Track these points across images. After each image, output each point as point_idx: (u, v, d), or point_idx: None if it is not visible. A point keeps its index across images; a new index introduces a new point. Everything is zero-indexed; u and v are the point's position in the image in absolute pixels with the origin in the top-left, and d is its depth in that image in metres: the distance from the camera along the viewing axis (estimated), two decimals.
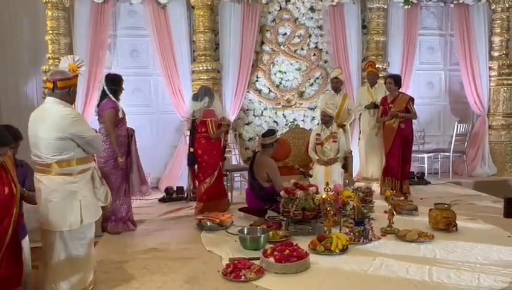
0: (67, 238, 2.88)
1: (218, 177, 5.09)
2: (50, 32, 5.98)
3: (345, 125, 6.26)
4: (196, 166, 5.09)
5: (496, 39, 7.24)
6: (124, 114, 4.46)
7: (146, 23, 6.49)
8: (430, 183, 6.60)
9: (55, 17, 5.96)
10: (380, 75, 6.64)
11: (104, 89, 4.37)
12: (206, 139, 4.99)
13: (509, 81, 7.27)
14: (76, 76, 2.99)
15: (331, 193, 4.11)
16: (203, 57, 6.41)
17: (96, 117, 4.55)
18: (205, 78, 6.38)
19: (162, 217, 5.12)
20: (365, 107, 6.39)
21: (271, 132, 4.95)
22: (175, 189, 6.04)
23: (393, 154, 5.66)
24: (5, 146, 2.53)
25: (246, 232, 3.86)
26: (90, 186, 2.99)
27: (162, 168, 6.66)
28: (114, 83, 4.42)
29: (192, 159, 5.07)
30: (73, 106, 3.11)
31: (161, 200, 5.87)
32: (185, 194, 5.96)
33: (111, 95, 4.36)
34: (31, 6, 6.35)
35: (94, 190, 3.00)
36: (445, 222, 4.13)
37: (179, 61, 6.46)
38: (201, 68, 6.37)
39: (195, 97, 5.14)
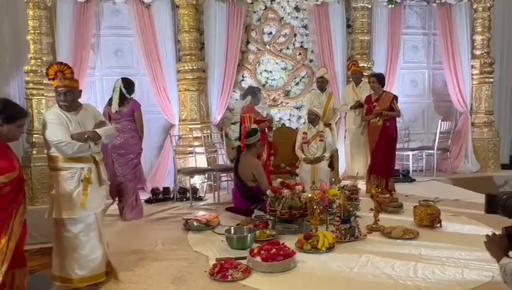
0: (54, 225, 3.08)
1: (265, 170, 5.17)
2: (32, 32, 5.84)
3: (330, 124, 6.31)
4: None
5: (478, 38, 7.35)
6: None
7: (130, 23, 6.43)
8: (414, 180, 6.68)
9: (37, 17, 5.83)
10: (364, 74, 6.69)
11: (121, 91, 4.88)
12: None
13: (491, 79, 7.39)
14: (52, 79, 3.07)
15: (318, 192, 4.12)
16: (188, 57, 6.38)
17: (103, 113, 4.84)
18: (190, 77, 6.36)
19: (148, 218, 5.07)
20: (350, 107, 6.41)
21: (253, 132, 4.94)
22: (161, 190, 6.00)
23: (378, 153, 5.71)
24: (26, 116, 2.69)
25: (232, 232, 3.86)
26: (66, 184, 3.02)
27: (148, 168, 6.61)
28: (130, 85, 5.00)
29: (238, 153, 5.47)
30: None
31: (147, 201, 5.82)
32: (171, 195, 5.93)
33: (130, 96, 4.93)
34: (11, 5, 6.23)
35: (70, 190, 3.03)
36: (429, 219, 4.18)
37: (164, 61, 6.42)
38: (186, 68, 6.34)
39: (240, 96, 5.83)
